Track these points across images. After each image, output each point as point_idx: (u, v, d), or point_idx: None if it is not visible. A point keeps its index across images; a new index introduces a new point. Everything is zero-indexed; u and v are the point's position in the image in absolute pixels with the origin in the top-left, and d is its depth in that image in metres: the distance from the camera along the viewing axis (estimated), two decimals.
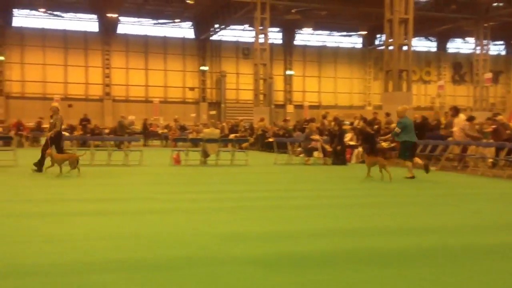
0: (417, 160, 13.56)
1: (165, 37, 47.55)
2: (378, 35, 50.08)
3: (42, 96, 43.85)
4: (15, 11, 43.80)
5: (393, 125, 18.95)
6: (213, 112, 46.41)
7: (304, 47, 52.04)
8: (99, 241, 5.66)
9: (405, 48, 25.80)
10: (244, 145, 23.42)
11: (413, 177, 12.56)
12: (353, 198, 9.70)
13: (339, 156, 17.45)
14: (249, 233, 6.26)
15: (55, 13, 44.25)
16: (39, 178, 12.22)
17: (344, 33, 52.54)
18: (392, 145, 17.88)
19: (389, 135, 14.62)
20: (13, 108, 42.88)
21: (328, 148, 17.85)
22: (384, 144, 17.97)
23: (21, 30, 43.81)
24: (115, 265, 4.75)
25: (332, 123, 19.44)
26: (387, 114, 21.70)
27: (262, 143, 25.75)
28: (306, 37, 52.24)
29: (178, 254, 5.16)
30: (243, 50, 49.37)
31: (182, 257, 5.06)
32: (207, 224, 6.70)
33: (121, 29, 46.18)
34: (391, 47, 25.83)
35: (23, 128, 29.19)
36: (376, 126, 21.01)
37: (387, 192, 10.76)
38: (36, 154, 13.93)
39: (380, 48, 47.67)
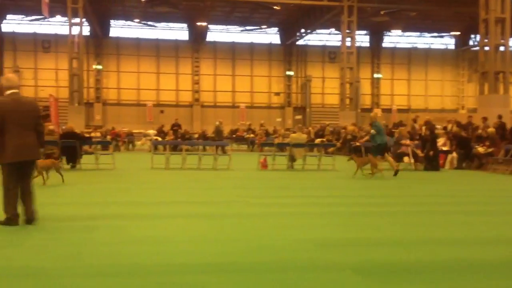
0: (390, 159, 14.83)
1: (251, 43, 48.30)
2: (472, 36, 47.78)
3: (136, 103, 46.12)
4: (112, 22, 46.44)
5: (490, 129, 17.98)
6: (299, 117, 46.42)
7: (393, 49, 50.74)
8: (195, 244, 5.81)
9: (502, 48, 24.45)
10: (331, 149, 23.16)
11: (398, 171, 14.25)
12: (451, 206, 9.27)
13: (431, 162, 16.80)
14: (340, 239, 6.16)
15: (149, 23, 46.41)
16: (131, 181, 12.81)
17: (436, 34, 50.65)
18: (490, 150, 16.96)
19: (366, 137, 17.03)
20: (109, 114, 45.44)
21: (419, 153, 17.23)
22: (481, 149, 17.08)
23: (117, 40, 46.36)
24: (214, 267, 4.84)
25: (423, 127, 18.75)
26: (484, 119, 20.56)
27: (350, 147, 25.32)
28: (394, 39, 50.93)
29: (273, 258, 5.16)
30: (329, 54, 49.03)
31: (277, 261, 5.06)
32: (298, 229, 6.68)
33: (210, 36, 47.51)
34: (486, 48, 24.56)
35: (119, 134, 30.78)
36: (471, 131, 20.02)
37: (487, 199, 10.18)
38: (131, 157, 14.59)
39: (474, 49, 45.41)
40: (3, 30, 44.38)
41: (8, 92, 6.54)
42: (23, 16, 44.41)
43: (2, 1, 40.16)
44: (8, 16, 44.41)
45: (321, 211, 8.38)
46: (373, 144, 14.55)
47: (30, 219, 6.47)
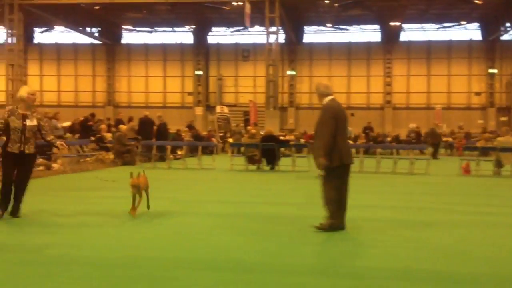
0: None
1: (449, 40, 45.56)
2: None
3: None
4: (306, 29, 47.92)
5: None
6: (504, 119, 42.31)
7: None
8: (413, 250, 5.69)
9: None
10: None
11: None
12: None
13: None
14: None
15: (341, 26, 46.82)
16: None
17: (457, 24, 42.44)
18: None
19: None
20: (302, 118, 46.95)
21: None
22: None
23: (310, 46, 47.70)
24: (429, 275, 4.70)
25: None
26: None
27: None
28: None
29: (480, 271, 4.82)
30: None
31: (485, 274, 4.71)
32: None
33: (403, 36, 46.06)
34: None
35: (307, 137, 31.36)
36: None
37: None
38: None
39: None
40: (209, 41, 48.83)
41: (328, 98, 6.89)
42: (226, 28, 48.34)
43: (209, 15, 44.26)
44: (214, 29, 48.73)
45: None
46: None
47: None
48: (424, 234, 6.54)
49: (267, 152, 16.24)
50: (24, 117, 6.97)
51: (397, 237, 6.40)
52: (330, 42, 47.60)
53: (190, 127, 28.02)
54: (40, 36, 49.89)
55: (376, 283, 4.42)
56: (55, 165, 15.35)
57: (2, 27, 40.27)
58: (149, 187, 7.81)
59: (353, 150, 22.23)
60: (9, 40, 36.41)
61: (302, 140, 29.67)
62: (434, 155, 23.08)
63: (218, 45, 49.07)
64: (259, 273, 4.58)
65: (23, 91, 7.26)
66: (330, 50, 47.17)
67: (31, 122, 7.01)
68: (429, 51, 45.83)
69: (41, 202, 8.72)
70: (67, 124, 20.08)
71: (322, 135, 6.42)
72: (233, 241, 5.91)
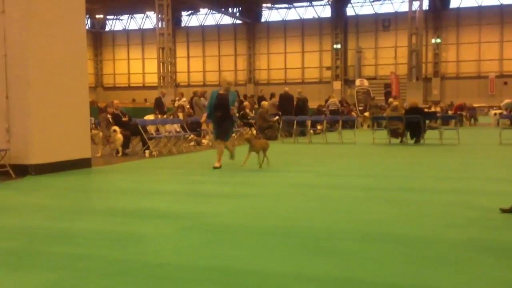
0: None
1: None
2: None
3: (476, 75, 43.59)
4: None
5: None
6: None
7: None
8: None
9: None
10: None
11: None
12: None
13: None
14: None
15: None
16: (475, 157, 12.14)
17: None
18: None
19: None
20: (447, 88, 44.23)
21: None
22: None
23: (457, 11, 44.47)
24: None
25: None
26: None
27: None
28: None
29: None
30: None
31: None
32: None
33: None
34: None
35: (464, 108, 29.27)
36: None
37: None
38: (476, 132, 13.86)
39: None
40: (348, 14, 47.82)
41: None
42: None
43: None
44: (352, 0, 47.57)
45: None
46: None
47: None
48: None
49: (412, 125, 15.59)
50: None
51: None
52: (479, 6, 43.98)
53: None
54: (187, 20, 52.84)
55: None
56: (204, 141, 16.29)
57: (152, 12, 43.26)
58: (267, 149, 9.94)
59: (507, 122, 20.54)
60: (159, 25, 39.12)
61: (450, 112, 27.98)
62: None
63: (357, 17, 47.93)
64: (418, 246, 4.43)
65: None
66: (479, 15, 43.58)
67: None
68: None
69: (193, 174, 9.34)
70: None
71: None
72: (384, 213, 5.77)
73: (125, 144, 13.18)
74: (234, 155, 10.52)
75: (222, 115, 9.89)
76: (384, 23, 46.34)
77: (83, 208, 6.12)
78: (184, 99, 21.11)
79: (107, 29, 55.91)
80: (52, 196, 7.12)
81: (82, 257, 4.17)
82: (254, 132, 19.63)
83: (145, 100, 35.09)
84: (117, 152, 12.96)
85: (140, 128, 12.97)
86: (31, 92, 9.08)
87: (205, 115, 10.49)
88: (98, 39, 55.01)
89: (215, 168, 9.67)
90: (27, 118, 9.06)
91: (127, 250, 4.36)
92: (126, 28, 55.07)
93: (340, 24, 46.86)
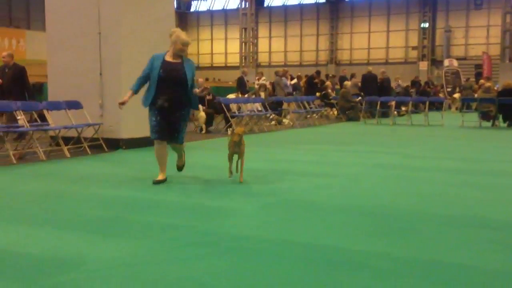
0: None
1: None
2: None
3: None
4: None
5: None
6: None
7: None
8: None
9: None
10: None
11: None
12: None
13: None
14: None
15: None
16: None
17: None
18: None
19: None
20: None
21: None
22: None
23: None
24: None
25: None
26: None
27: None
28: None
29: None
30: None
31: None
32: None
33: None
34: None
35: None
36: None
37: None
38: None
39: None
40: None
41: None
42: None
43: None
44: None
45: None
46: None
47: None
48: None
49: (505, 107, 14.73)
50: None
51: None
52: None
53: (415, 83, 26.83)
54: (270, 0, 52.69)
55: None
56: (285, 120, 16.33)
57: None
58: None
59: None
60: (242, 5, 39.35)
61: None
62: None
63: None
64: (503, 230, 4.23)
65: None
66: None
67: None
68: None
69: (274, 153, 9.41)
70: (294, 81, 21.05)
71: None
72: (473, 198, 5.55)
73: (209, 121, 13.50)
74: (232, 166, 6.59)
75: (174, 99, 6.05)
76: (476, 1, 43.78)
77: (170, 181, 6.35)
78: (263, 77, 21.26)
79: (192, 9, 57.06)
80: (142, 169, 7.45)
81: (172, 226, 4.36)
82: (336, 113, 19.41)
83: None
84: (201, 129, 13.31)
85: (224, 106, 13.21)
86: (123, 69, 9.48)
87: (128, 95, 6.49)
88: (184, 20, 56.32)
89: (156, 182, 6.17)
90: (119, 94, 9.49)
91: (214, 223, 4.50)
92: (210, 8, 55.92)
93: (429, 1, 44.82)
